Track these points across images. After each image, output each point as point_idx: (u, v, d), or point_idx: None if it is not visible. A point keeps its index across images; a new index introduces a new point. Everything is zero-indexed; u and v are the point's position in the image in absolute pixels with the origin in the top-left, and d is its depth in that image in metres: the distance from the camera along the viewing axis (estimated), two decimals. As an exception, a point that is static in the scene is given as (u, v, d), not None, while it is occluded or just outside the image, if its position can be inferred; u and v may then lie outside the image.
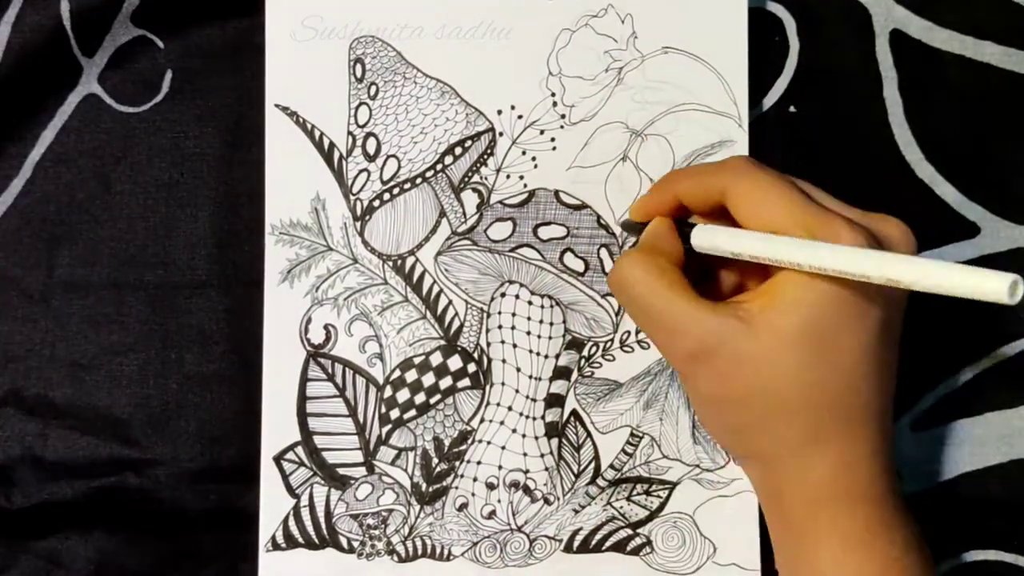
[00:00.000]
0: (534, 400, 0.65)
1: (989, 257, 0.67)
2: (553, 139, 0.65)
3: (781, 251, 0.52)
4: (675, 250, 0.58)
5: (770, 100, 0.68)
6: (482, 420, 0.65)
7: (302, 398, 0.64)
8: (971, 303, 0.66)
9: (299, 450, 0.64)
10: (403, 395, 0.65)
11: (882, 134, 0.68)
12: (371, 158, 0.65)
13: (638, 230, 0.61)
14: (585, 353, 0.65)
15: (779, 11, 0.68)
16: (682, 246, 0.58)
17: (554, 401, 0.65)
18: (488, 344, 0.65)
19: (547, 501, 0.64)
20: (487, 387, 0.65)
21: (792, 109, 0.67)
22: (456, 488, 0.65)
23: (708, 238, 0.57)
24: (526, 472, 0.65)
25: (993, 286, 0.45)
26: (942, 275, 0.47)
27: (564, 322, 0.65)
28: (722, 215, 0.57)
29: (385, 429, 0.65)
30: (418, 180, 0.65)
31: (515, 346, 0.65)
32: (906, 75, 0.68)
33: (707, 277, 0.60)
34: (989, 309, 0.66)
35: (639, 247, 0.59)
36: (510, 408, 0.65)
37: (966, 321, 0.67)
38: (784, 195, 0.54)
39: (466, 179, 0.65)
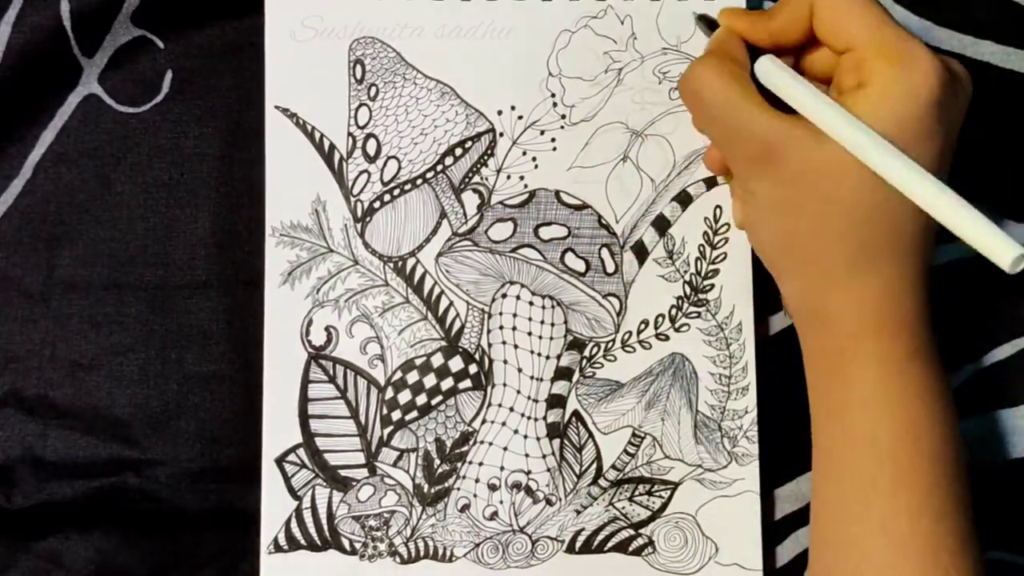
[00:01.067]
0: (535, 401, 0.65)
1: (989, 257, 0.67)
2: (553, 139, 0.65)
3: (826, 119, 0.53)
4: (745, 60, 0.58)
5: (770, 100, 0.68)
6: (484, 421, 0.65)
7: (304, 400, 0.64)
8: (970, 298, 0.67)
9: (301, 452, 0.64)
10: (404, 396, 0.65)
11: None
12: (371, 159, 0.65)
13: (709, 27, 0.61)
14: (586, 353, 0.65)
15: (779, 11, 0.68)
16: (749, 59, 0.58)
17: (556, 402, 0.65)
18: (489, 345, 0.65)
19: (549, 502, 0.65)
20: (488, 388, 0.65)
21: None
22: (458, 489, 0.65)
23: (770, 72, 0.57)
24: (528, 473, 0.65)
25: (1001, 252, 0.48)
26: (963, 218, 0.49)
27: (565, 322, 0.65)
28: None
29: (387, 430, 0.65)
30: (419, 181, 0.65)
31: (516, 347, 0.65)
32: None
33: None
34: (991, 307, 0.67)
35: (710, 51, 0.59)
36: (511, 409, 0.65)
37: (966, 319, 0.67)
38: (870, 15, 0.54)
39: (466, 180, 0.65)
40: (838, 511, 0.56)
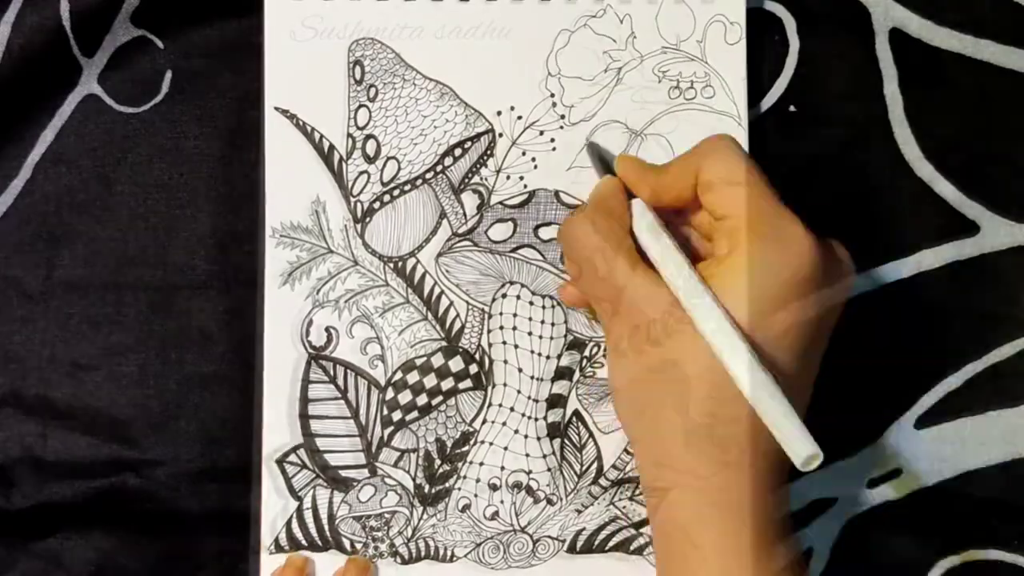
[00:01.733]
0: (536, 401, 0.65)
1: (989, 255, 0.68)
2: (553, 139, 0.65)
3: (669, 277, 0.54)
4: (624, 213, 0.58)
5: (770, 100, 0.68)
6: (484, 421, 0.65)
7: (304, 400, 0.64)
8: (970, 298, 0.67)
9: (301, 452, 0.64)
10: (405, 397, 0.65)
11: (882, 132, 0.68)
12: (371, 160, 0.65)
13: (600, 165, 0.63)
14: (587, 353, 0.65)
15: (779, 10, 0.68)
16: (626, 212, 0.58)
17: (556, 401, 0.65)
18: (489, 345, 0.65)
19: (550, 502, 0.65)
20: (489, 388, 0.65)
21: (792, 108, 0.67)
22: (459, 489, 0.65)
23: (636, 218, 0.58)
24: (528, 473, 0.65)
25: (796, 450, 0.50)
26: (772, 409, 0.51)
27: (565, 322, 0.65)
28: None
29: (387, 431, 0.65)
30: (418, 182, 0.65)
31: (516, 347, 0.65)
32: (906, 72, 0.68)
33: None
34: (992, 307, 0.67)
35: (594, 207, 0.60)
36: (512, 409, 0.65)
37: (968, 319, 0.67)
38: (752, 187, 0.54)
39: (466, 180, 0.65)
40: None
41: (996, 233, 0.68)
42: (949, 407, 0.67)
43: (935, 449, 0.67)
